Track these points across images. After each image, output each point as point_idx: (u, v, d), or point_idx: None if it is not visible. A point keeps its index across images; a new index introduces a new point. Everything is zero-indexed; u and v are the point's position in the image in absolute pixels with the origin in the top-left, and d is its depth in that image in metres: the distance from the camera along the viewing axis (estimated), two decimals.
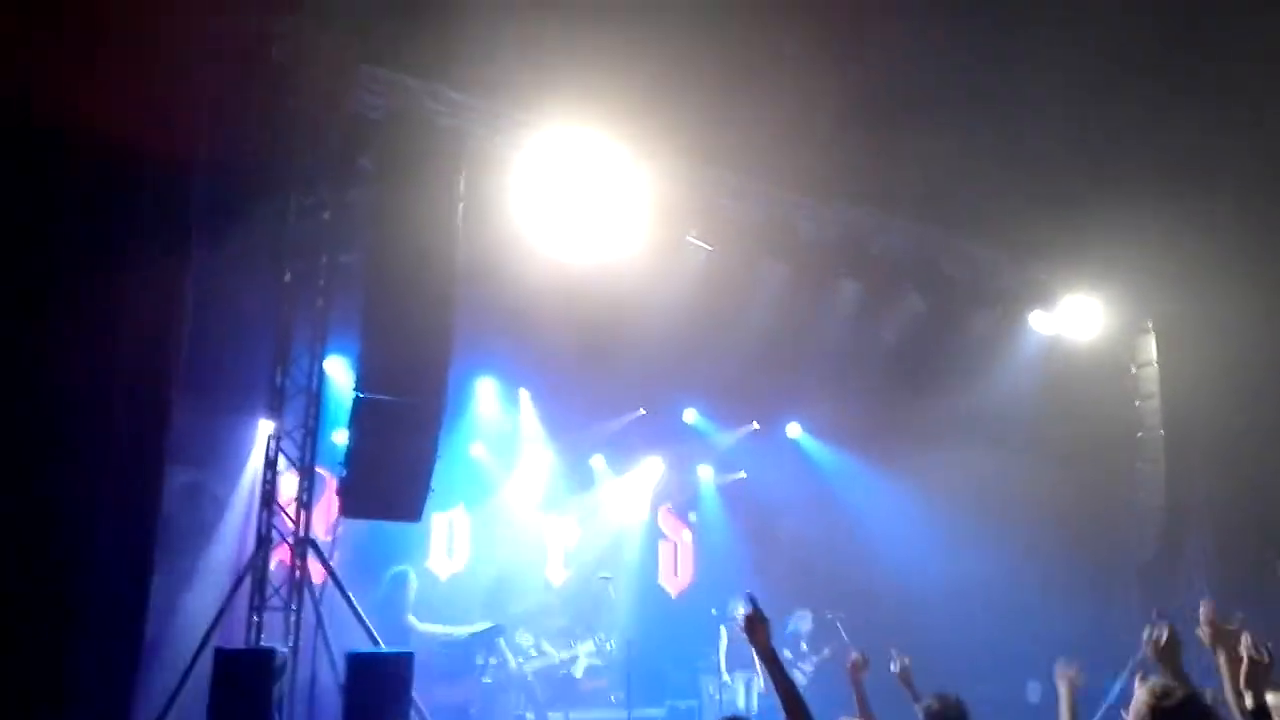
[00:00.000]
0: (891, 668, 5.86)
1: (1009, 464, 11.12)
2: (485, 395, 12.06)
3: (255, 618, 7.12)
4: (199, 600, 7.49)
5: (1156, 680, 3.26)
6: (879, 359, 11.76)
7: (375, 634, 7.57)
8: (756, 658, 3.68)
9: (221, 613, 6.99)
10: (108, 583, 6.44)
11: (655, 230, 9.41)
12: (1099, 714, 5.60)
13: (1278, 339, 10.47)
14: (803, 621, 11.75)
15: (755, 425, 13.65)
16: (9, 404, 6.20)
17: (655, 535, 13.81)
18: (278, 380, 7.60)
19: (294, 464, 7.72)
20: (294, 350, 7.69)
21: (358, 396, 7.28)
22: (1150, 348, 11.83)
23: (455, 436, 11.80)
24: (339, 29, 7.06)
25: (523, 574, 12.02)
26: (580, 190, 8.88)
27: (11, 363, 6.23)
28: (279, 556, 7.87)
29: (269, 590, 7.41)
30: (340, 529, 10.51)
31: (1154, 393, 11.67)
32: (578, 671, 11.04)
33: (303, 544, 7.66)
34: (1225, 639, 4.10)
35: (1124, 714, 3.26)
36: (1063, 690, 5.23)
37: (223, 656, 6.25)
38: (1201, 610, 4.28)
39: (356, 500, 7.36)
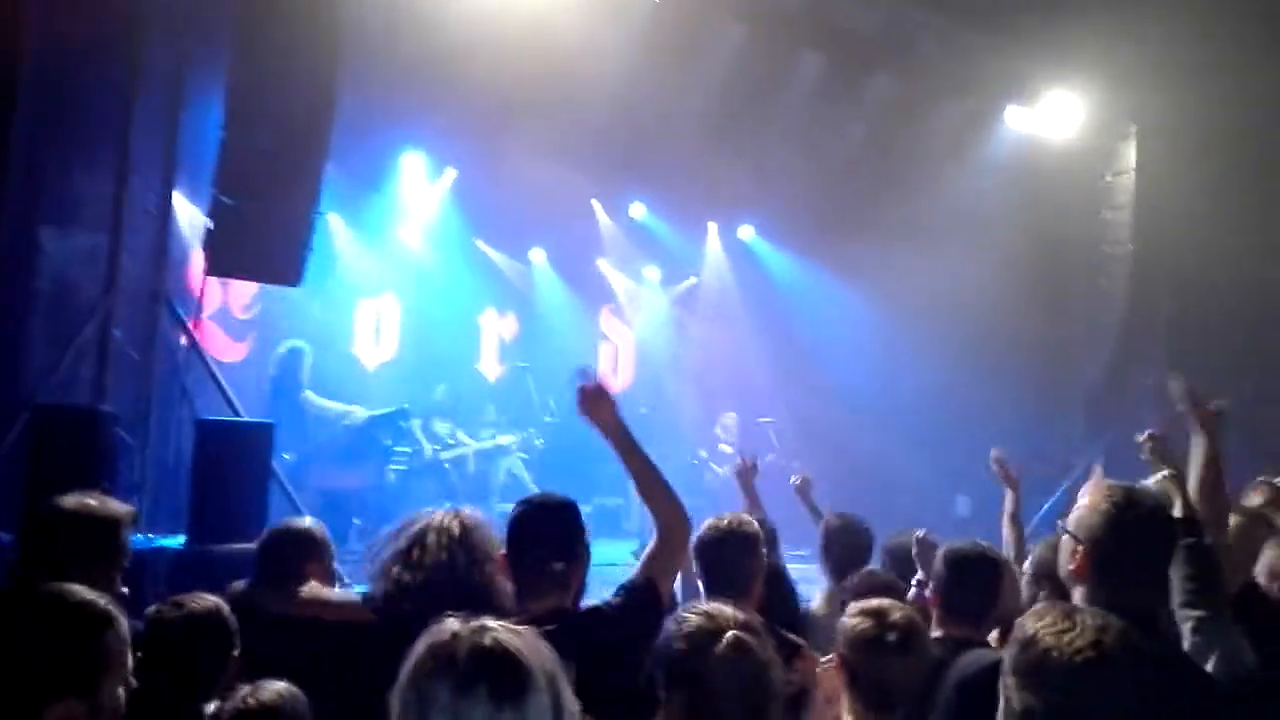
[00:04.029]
0: (793, 481, 5.35)
1: (965, 269, 10.45)
2: (412, 172, 11.21)
3: (101, 377, 6.47)
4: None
5: (1118, 484, 2.60)
6: (839, 148, 10.88)
7: (235, 402, 6.98)
8: (608, 437, 3.00)
9: (51, 369, 6.35)
10: None
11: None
12: (1030, 526, 5.10)
13: (1262, 161, 9.68)
14: (727, 420, 11.44)
15: (712, 226, 12.97)
16: None
17: (596, 335, 13.37)
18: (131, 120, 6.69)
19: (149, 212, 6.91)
20: (149, 72, 6.74)
21: (223, 139, 6.40)
22: (1129, 155, 10.96)
23: (380, 217, 11.09)
24: None
25: (452, 365, 11.52)
26: None
27: None
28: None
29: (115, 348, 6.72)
30: (256, 307, 9.91)
31: (1126, 204, 10.89)
32: (499, 465, 10.68)
33: (155, 299, 6.96)
34: (1209, 423, 3.47)
35: (1061, 524, 2.60)
36: (1002, 478, 4.71)
37: (40, 412, 5.67)
38: (1175, 386, 3.63)
39: (222, 257, 6.60)
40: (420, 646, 1.54)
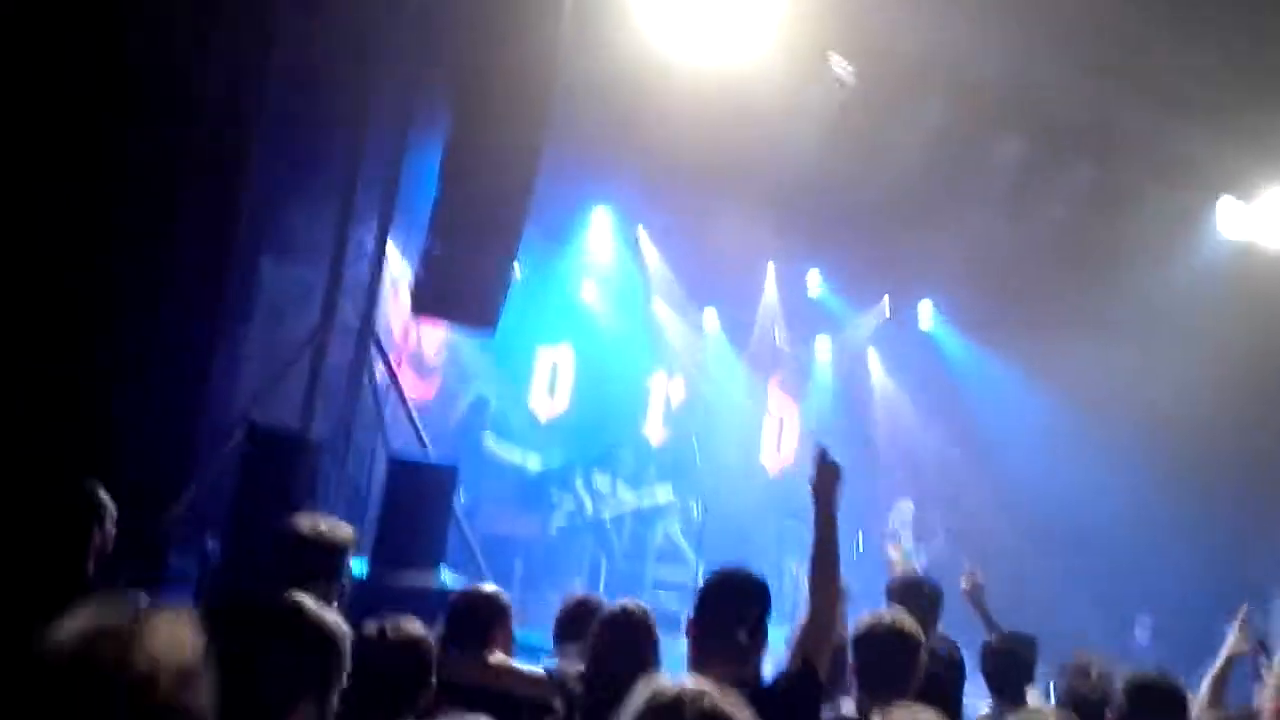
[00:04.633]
0: (963, 585, 5.01)
1: (1164, 374, 9.87)
2: (599, 227, 11.53)
3: (310, 402, 6.89)
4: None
5: None
6: (1034, 232, 10.51)
7: (426, 441, 7.29)
8: (818, 512, 3.05)
9: (266, 391, 6.80)
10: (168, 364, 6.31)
11: (791, 50, 8.41)
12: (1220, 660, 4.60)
13: None
14: (903, 508, 11.04)
15: (885, 301, 12.75)
16: (73, 180, 5.94)
17: (761, 406, 13.26)
18: (359, 166, 7.20)
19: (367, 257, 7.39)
20: (375, 136, 7.24)
21: (438, 191, 6.80)
22: None
23: (564, 269, 11.44)
24: None
25: (618, 423, 11.67)
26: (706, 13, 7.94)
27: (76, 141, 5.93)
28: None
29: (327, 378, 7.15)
30: (444, 351, 10.36)
31: None
32: (657, 528, 10.70)
33: (365, 334, 7.37)
34: None
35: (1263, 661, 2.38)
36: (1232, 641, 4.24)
37: (254, 430, 6.06)
38: None
39: (427, 299, 6.97)
40: (639, 703, 1.57)
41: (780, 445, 13.31)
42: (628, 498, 10.59)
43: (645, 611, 3.31)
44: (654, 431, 12.59)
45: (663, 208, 10.75)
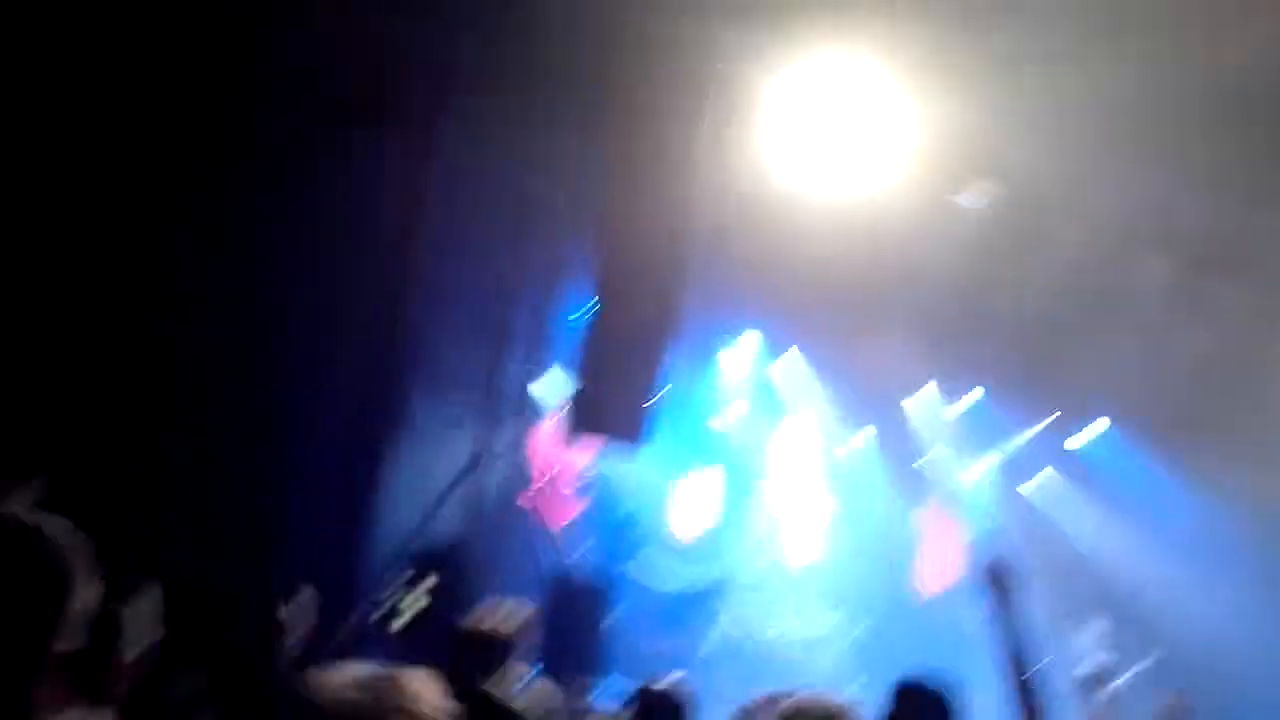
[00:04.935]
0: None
1: None
2: (746, 350, 11.65)
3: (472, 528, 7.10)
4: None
5: None
6: (1187, 353, 10.07)
7: (573, 559, 7.37)
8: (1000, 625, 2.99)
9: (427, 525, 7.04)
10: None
11: (930, 177, 8.48)
12: None
13: None
14: (1098, 628, 10.24)
15: (1050, 420, 12.25)
16: (243, 312, 6.47)
17: (917, 527, 12.80)
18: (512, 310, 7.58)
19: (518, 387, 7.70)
20: (528, 269, 7.63)
21: (588, 320, 7.10)
22: None
23: (708, 393, 11.56)
24: None
25: (765, 551, 11.48)
26: (843, 127, 8.10)
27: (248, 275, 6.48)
28: None
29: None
30: (590, 477, 10.53)
31: None
32: (815, 653, 10.34)
33: (517, 463, 7.60)
34: None
35: None
36: None
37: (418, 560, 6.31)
38: None
39: (580, 418, 7.20)
40: None
41: (941, 567, 12.75)
42: (779, 622, 10.31)
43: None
44: (802, 556, 12.31)
45: (809, 332, 10.81)
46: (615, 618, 8.93)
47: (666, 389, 7.12)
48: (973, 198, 8.86)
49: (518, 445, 8.09)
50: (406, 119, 6.92)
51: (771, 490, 11.89)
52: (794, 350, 11.18)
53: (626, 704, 3.69)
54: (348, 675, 1.52)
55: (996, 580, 3.01)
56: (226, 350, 6.32)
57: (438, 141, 7.04)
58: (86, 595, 1.60)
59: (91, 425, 5.76)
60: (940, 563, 12.76)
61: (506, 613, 3.36)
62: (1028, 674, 2.88)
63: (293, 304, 6.61)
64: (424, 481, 7.83)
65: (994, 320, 10.12)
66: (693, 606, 9.79)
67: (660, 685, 3.82)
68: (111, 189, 6.10)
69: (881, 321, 9.83)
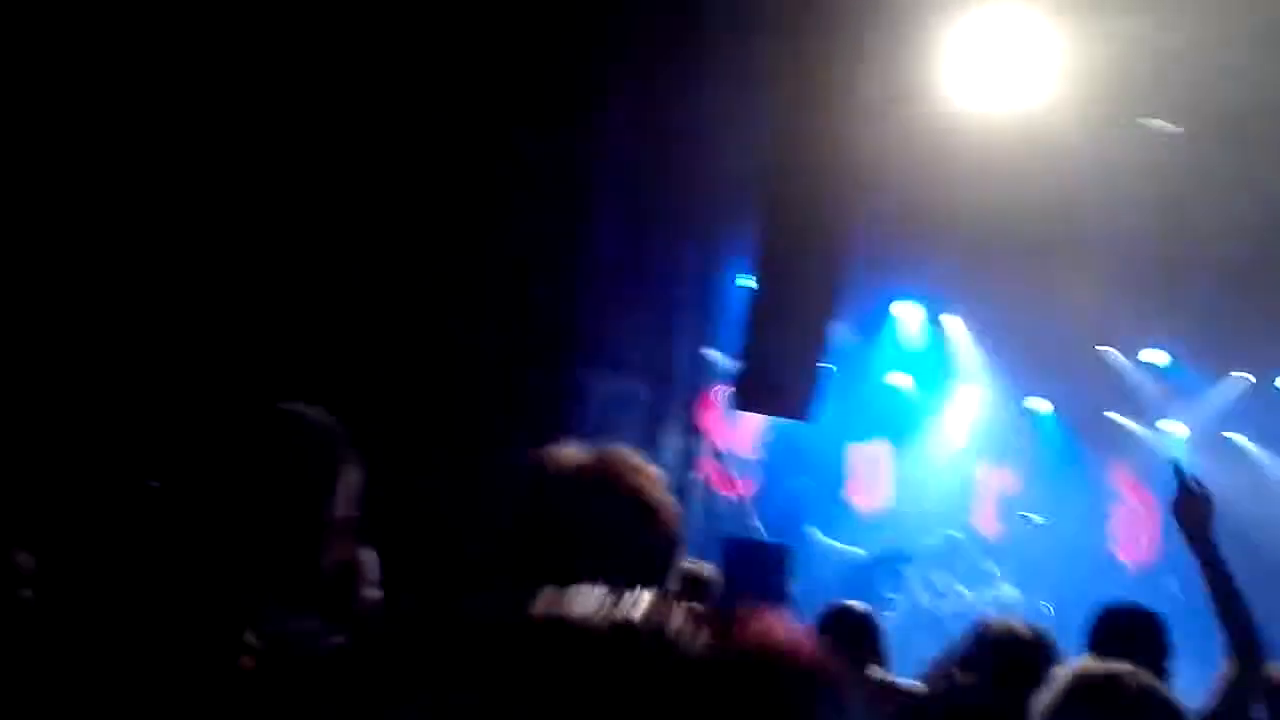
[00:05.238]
0: None
1: None
2: (907, 320, 11.34)
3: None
4: None
5: None
6: None
7: (754, 526, 7.39)
8: (1199, 555, 2.86)
9: None
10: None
11: (1105, 110, 7.95)
12: None
13: None
14: None
15: (1248, 378, 11.43)
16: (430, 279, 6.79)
17: (1107, 495, 12.17)
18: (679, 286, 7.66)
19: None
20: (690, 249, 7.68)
21: (752, 291, 7.09)
22: None
23: (874, 364, 11.32)
24: None
25: (945, 517, 11.19)
26: (1014, 66, 7.64)
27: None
28: None
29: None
30: (761, 451, 10.52)
31: None
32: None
33: (689, 436, 7.69)
34: None
35: None
36: None
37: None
38: None
39: (744, 395, 7.20)
40: (1064, 683, 1.57)
41: (1138, 536, 12.09)
42: (968, 595, 10.03)
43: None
44: (986, 525, 11.93)
45: (973, 294, 10.41)
46: (797, 586, 8.91)
47: (832, 359, 7.01)
48: (1156, 127, 8.25)
49: (689, 418, 8.16)
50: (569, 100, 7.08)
51: (949, 457, 11.57)
52: (969, 309, 10.81)
53: (820, 619, 3.88)
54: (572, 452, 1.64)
55: (1187, 495, 2.83)
56: (412, 336, 6.67)
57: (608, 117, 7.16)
58: (354, 473, 1.78)
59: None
60: (1138, 527, 12.11)
61: (697, 566, 3.51)
62: (1239, 614, 2.71)
63: (468, 293, 6.89)
64: None
65: (1183, 271, 9.45)
66: (875, 575, 9.64)
67: (859, 606, 4.01)
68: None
69: (1066, 270, 9.30)
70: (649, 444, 7.64)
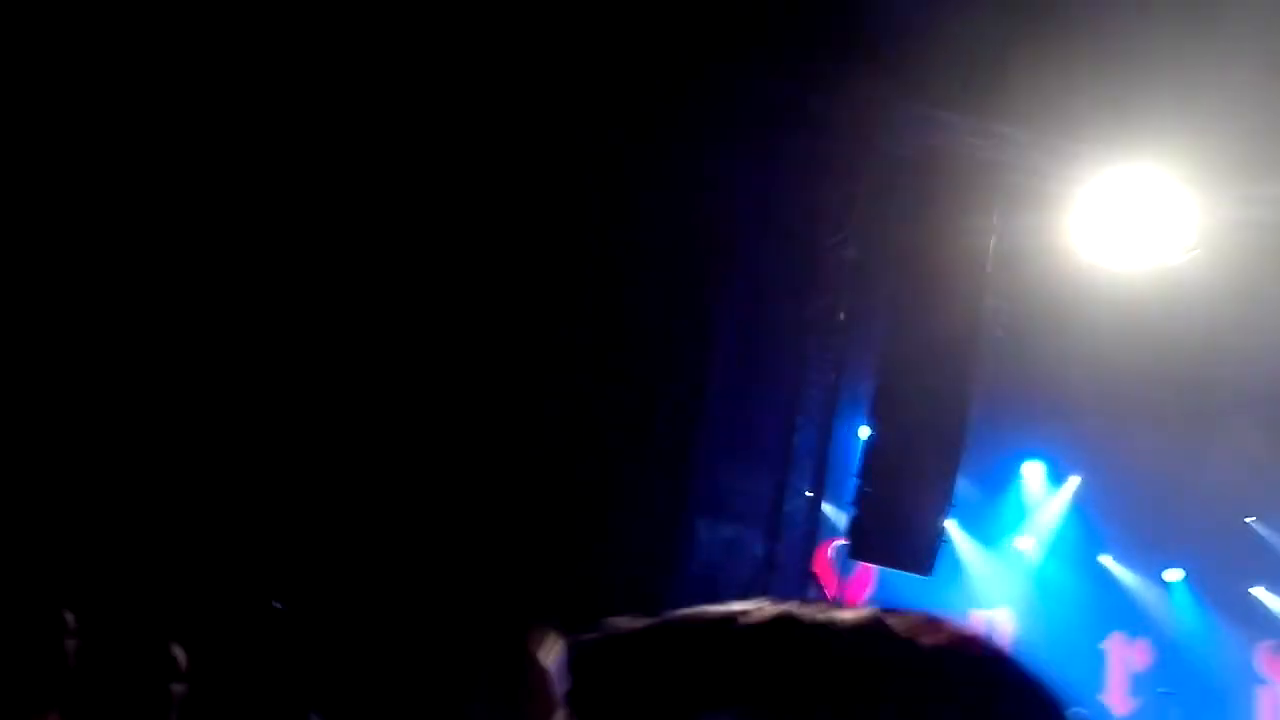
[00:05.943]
0: None
1: None
2: (1032, 480, 10.98)
3: None
4: None
5: None
6: None
7: None
8: None
9: None
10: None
11: (1252, 270, 7.76)
12: None
13: None
14: None
15: None
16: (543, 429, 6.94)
17: (1253, 675, 11.27)
18: (794, 434, 7.64)
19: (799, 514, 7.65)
20: (806, 398, 7.68)
21: (870, 436, 7.01)
22: None
23: (998, 526, 10.94)
24: (874, 65, 6.99)
25: (1073, 690, 10.48)
26: (1141, 238, 7.61)
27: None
28: None
29: None
30: (874, 599, 10.17)
31: None
32: None
33: (804, 585, 7.51)
34: None
35: None
36: None
37: None
38: None
39: (862, 544, 7.02)
40: None
41: None
42: None
43: None
44: (1118, 701, 11.16)
45: (1102, 456, 10.06)
46: None
47: (951, 515, 6.83)
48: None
49: (802, 566, 8.00)
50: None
51: (1073, 630, 10.95)
52: (1104, 472, 10.42)
53: None
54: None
55: None
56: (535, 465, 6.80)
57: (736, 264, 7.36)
58: None
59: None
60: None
61: None
62: None
63: (592, 434, 7.02)
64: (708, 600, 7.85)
65: None
66: None
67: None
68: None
69: (1182, 441, 8.96)
70: (762, 593, 7.50)
